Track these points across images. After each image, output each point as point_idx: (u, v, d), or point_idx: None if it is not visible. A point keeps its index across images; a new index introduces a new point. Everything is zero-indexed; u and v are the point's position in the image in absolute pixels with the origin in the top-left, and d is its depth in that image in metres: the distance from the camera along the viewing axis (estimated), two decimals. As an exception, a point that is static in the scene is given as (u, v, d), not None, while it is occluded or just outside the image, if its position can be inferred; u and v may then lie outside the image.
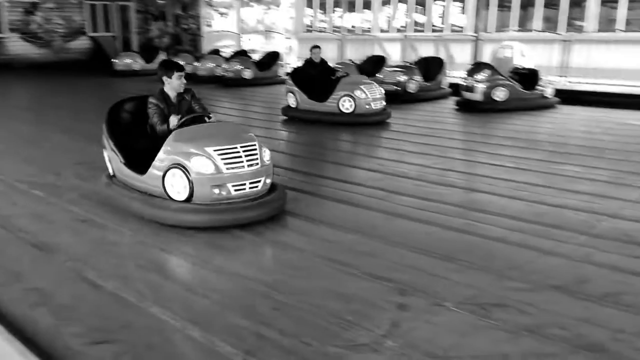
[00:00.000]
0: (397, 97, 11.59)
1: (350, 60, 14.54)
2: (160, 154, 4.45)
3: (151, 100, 4.78)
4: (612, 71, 13.50)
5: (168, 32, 23.49)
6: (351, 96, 9.22)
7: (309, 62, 9.90)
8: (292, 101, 9.93)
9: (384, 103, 9.60)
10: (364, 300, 3.29)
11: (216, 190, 4.34)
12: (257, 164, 4.52)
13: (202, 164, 4.30)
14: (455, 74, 13.97)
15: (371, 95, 9.34)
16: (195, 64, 16.92)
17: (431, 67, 13.04)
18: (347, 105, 9.28)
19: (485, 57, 14.52)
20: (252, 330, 2.96)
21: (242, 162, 4.43)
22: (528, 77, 11.33)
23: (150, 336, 2.91)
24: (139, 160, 4.70)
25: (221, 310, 3.20)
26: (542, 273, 3.66)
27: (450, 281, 3.56)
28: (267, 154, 4.69)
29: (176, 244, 4.20)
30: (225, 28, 23.17)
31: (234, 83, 15.17)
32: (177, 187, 4.38)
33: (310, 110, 9.65)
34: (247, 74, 15.34)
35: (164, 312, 3.13)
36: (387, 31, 19.02)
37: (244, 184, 4.45)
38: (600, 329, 2.96)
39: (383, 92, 9.61)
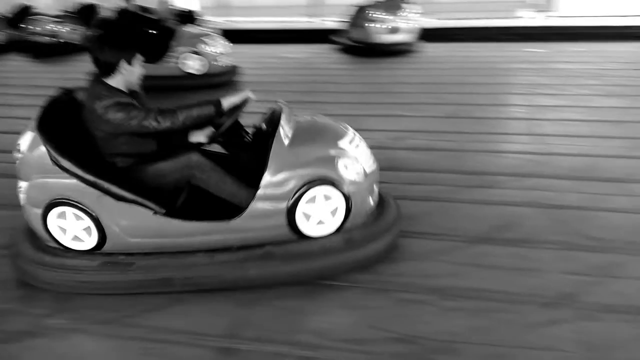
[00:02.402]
0: (55, 50, 10.62)
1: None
2: (273, 176, 2.73)
3: (109, 101, 2.64)
4: (271, 8, 14.40)
5: None
6: (197, 52, 7.38)
7: (124, 12, 7.60)
8: None
9: (231, 58, 7.91)
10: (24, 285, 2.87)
11: (371, 199, 3.00)
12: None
13: (352, 167, 2.84)
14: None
15: (220, 50, 7.64)
16: None
17: (93, 14, 12.18)
18: (192, 64, 7.39)
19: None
20: None
21: (366, 150, 3.08)
22: (188, 18, 11.36)
23: None
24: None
25: None
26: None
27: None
28: None
29: None
30: None
31: None
32: (318, 216, 2.81)
33: None
34: None
35: None
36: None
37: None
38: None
39: (230, 44, 8.01)
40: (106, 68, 2.69)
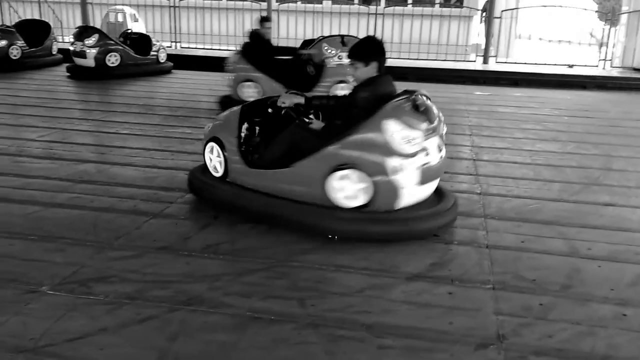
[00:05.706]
0: None
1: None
2: None
3: None
4: (220, 36, 14.42)
5: None
6: (345, 82, 7.27)
7: (259, 38, 7.34)
8: (250, 92, 7.25)
9: None
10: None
11: None
12: None
13: None
14: (67, 39, 13.08)
15: None
16: None
17: (36, 31, 11.89)
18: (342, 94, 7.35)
19: (97, 21, 13.87)
20: None
21: None
22: (140, 42, 11.24)
23: None
24: None
25: None
26: (147, 237, 3.61)
27: (49, 263, 3.22)
28: None
29: None
30: None
31: None
32: None
33: None
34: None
35: None
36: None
37: None
38: (199, 282, 3.03)
39: None
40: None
